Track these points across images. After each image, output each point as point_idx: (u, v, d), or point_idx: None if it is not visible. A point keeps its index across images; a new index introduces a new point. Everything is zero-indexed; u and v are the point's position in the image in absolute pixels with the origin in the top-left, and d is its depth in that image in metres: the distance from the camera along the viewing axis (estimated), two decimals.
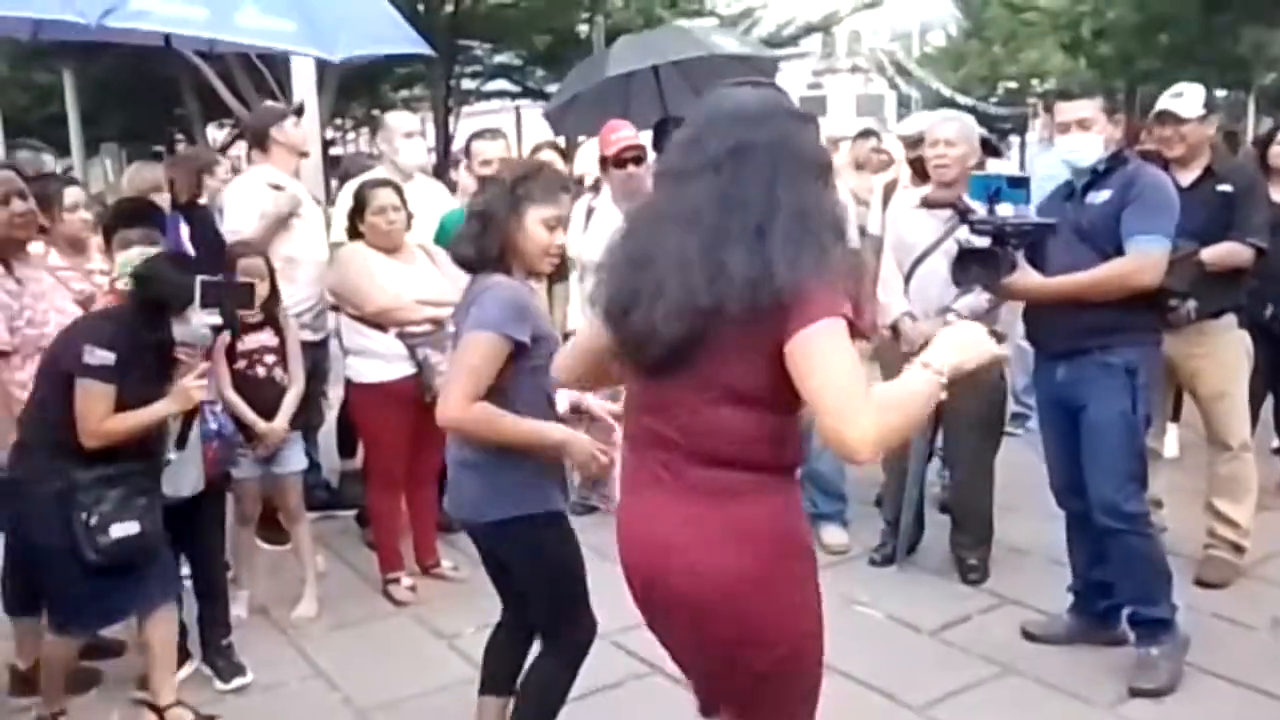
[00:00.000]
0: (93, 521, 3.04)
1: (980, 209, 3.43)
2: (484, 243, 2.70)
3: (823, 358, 1.79)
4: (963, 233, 3.52)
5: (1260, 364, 4.44)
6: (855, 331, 1.85)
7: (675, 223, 1.90)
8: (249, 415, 3.95)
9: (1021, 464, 5.64)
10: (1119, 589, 3.56)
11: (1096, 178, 3.49)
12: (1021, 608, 4.04)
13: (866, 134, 7.42)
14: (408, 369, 4.16)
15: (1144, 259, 3.34)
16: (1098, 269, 3.38)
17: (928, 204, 4.15)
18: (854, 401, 1.76)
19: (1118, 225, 3.38)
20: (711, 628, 1.98)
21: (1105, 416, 3.43)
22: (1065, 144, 3.52)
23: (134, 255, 3.33)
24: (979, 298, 4.13)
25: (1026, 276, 3.44)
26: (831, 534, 4.74)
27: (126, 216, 3.81)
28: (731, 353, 1.88)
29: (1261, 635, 3.67)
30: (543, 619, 2.81)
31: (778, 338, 1.82)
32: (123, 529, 3.09)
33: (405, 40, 5.61)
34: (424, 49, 5.81)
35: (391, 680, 3.65)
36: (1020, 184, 3.46)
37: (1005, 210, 3.38)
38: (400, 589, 4.31)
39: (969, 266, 3.47)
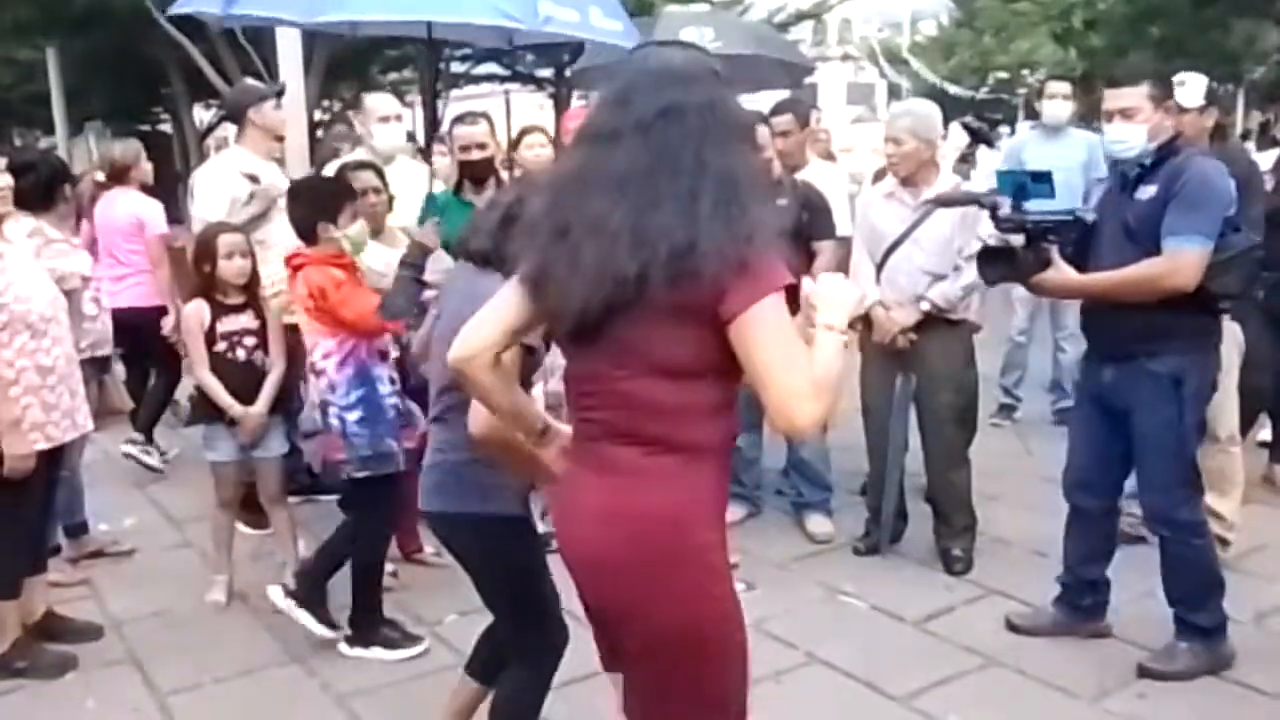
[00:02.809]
0: None
1: (1005, 205, 3.37)
2: (504, 241, 2.41)
3: (769, 337, 1.76)
4: (987, 229, 3.48)
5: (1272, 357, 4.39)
6: (792, 295, 1.81)
7: (598, 187, 1.84)
8: (226, 399, 3.91)
9: (1008, 455, 5.68)
10: (1165, 588, 3.52)
11: (1145, 171, 3.34)
12: (1005, 599, 4.03)
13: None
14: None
15: (1176, 260, 3.20)
16: (1127, 269, 3.28)
17: (943, 202, 4.09)
18: (803, 382, 1.75)
19: (1162, 223, 3.24)
20: (605, 610, 1.97)
21: (1152, 425, 3.38)
22: (1109, 134, 3.37)
23: (360, 227, 3.52)
24: (952, 286, 4.14)
25: (1059, 273, 3.38)
26: (816, 523, 4.72)
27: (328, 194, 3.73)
28: (655, 324, 1.82)
29: (1247, 629, 3.66)
30: (507, 625, 2.69)
31: (712, 310, 1.78)
32: None
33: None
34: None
35: (372, 667, 3.61)
36: (1045, 179, 3.41)
37: (1032, 206, 3.33)
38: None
39: (995, 263, 3.43)
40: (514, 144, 4.96)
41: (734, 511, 4.80)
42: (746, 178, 1.84)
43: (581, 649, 2.46)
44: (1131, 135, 3.31)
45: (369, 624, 3.71)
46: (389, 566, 4.30)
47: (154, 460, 5.63)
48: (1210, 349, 3.42)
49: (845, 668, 3.55)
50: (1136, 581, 3.76)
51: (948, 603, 4.04)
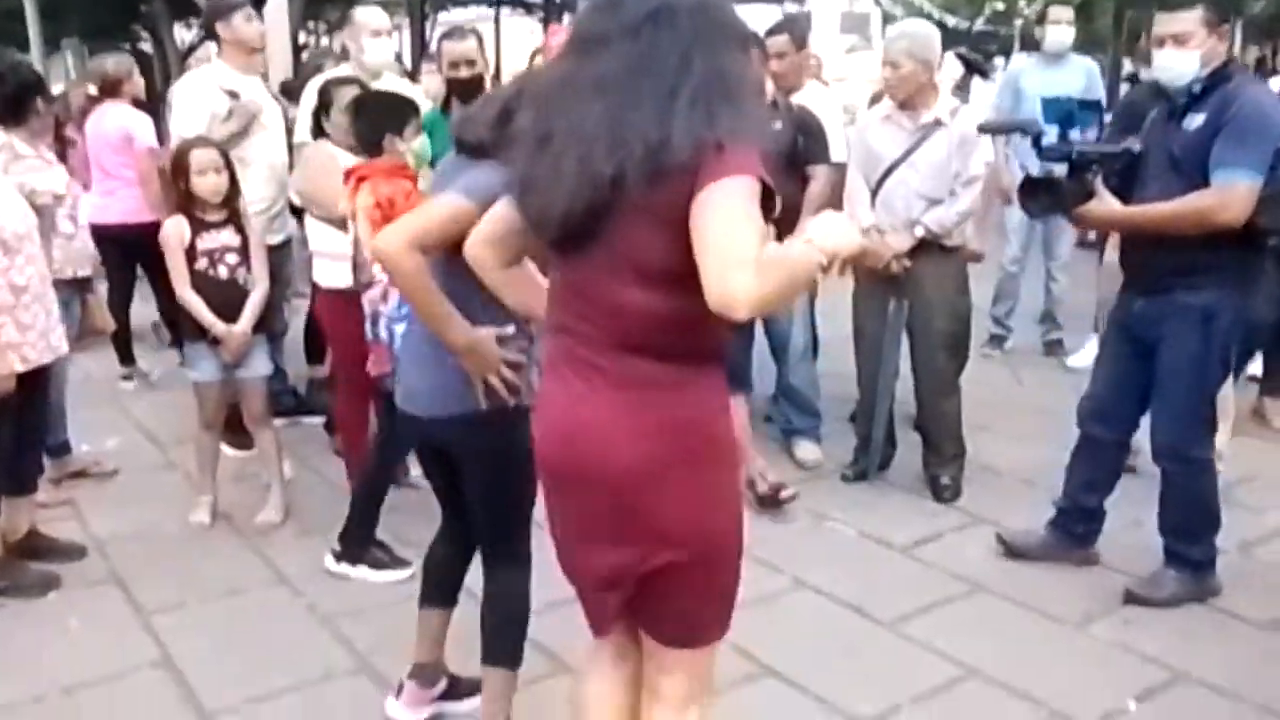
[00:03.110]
0: None
1: (1052, 134, 3.26)
2: (499, 131, 2.29)
3: (721, 211, 1.67)
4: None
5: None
6: (770, 197, 1.73)
7: (581, 92, 1.78)
8: (208, 317, 3.84)
9: (998, 385, 5.67)
10: (1160, 519, 3.52)
11: (1193, 100, 3.20)
12: (993, 526, 4.03)
13: None
14: (376, 274, 4.03)
15: (1226, 194, 3.09)
16: (1175, 202, 3.17)
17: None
18: (744, 255, 1.63)
19: (1210, 154, 3.12)
20: (618, 518, 1.91)
21: (1176, 359, 3.33)
22: (1159, 61, 3.24)
23: (423, 141, 3.47)
24: (948, 211, 4.08)
25: (1103, 205, 3.29)
26: (805, 450, 4.71)
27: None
28: (640, 228, 1.77)
29: (1233, 558, 3.67)
30: (495, 524, 2.64)
31: (687, 207, 1.71)
32: None
33: None
34: None
35: (358, 588, 3.60)
36: (1092, 107, 3.32)
37: (1077, 135, 3.24)
38: None
39: (1038, 194, 3.35)
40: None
41: None
42: (734, 77, 1.77)
43: None
44: (1184, 63, 3.18)
45: (360, 541, 3.69)
46: None
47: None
48: (1248, 286, 3.33)
49: (832, 593, 3.55)
50: (1126, 511, 3.76)
51: (935, 530, 4.04)
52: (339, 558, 3.70)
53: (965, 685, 3.04)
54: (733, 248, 1.64)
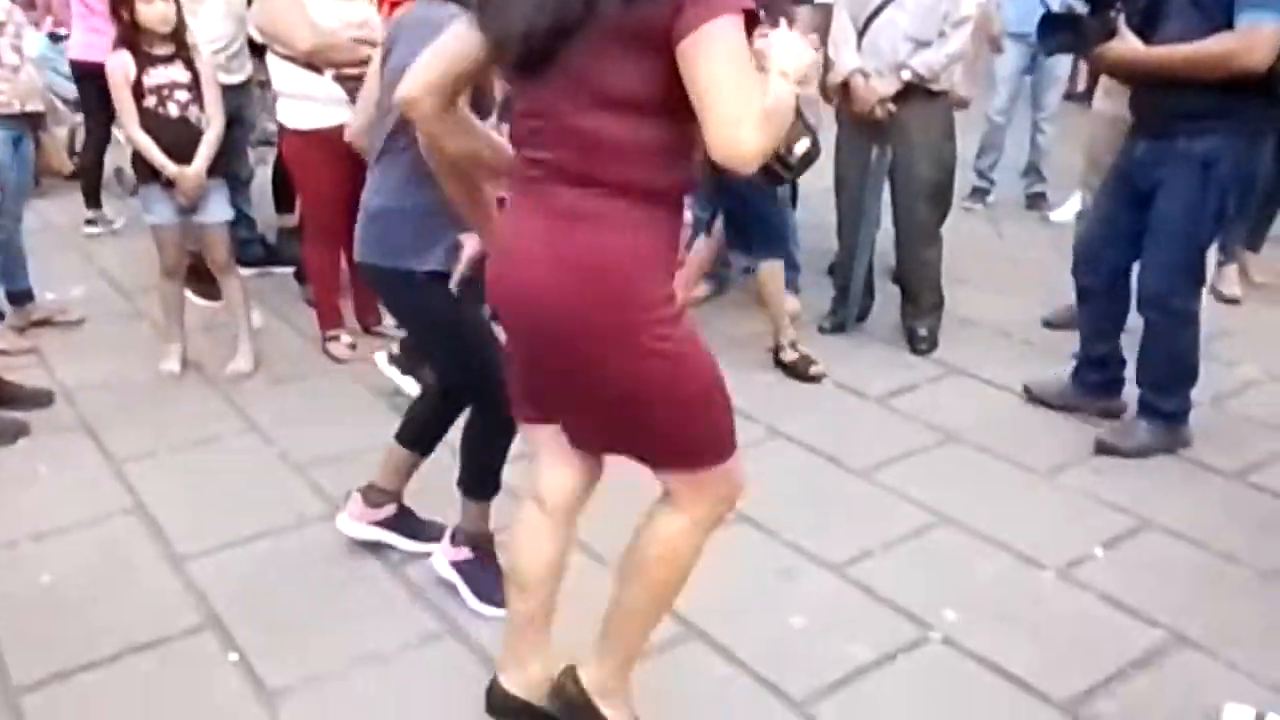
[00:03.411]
0: None
1: None
2: None
3: (718, 57, 1.60)
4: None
5: None
6: (753, 24, 1.65)
7: None
8: (159, 157, 3.69)
9: (977, 237, 5.62)
10: (1138, 370, 3.52)
11: None
12: (969, 378, 4.04)
13: None
14: (344, 114, 3.87)
15: (1250, 37, 2.97)
16: (1197, 44, 3.05)
17: None
18: (752, 111, 1.60)
19: None
20: (556, 357, 1.88)
21: (1171, 205, 3.26)
22: None
23: None
24: (936, 54, 3.94)
25: (1125, 44, 3.17)
26: None
27: None
28: (607, 51, 1.68)
29: (1205, 410, 3.69)
30: (448, 371, 2.69)
31: (664, 31, 1.62)
32: None
33: None
34: None
35: (330, 437, 3.57)
36: None
37: None
38: (339, 346, 4.20)
39: (1058, 32, 3.23)
40: None
41: (700, 288, 4.73)
42: None
43: None
44: None
45: (421, 362, 3.62)
46: (346, 338, 4.23)
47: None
48: (1255, 137, 3.24)
49: (807, 442, 3.56)
50: None
51: (911, 381, 4.04)
52: (394, 361, 3.79)
53: (935, 532, 3.07)
54: (741, 104, 1.60)
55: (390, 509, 2.90)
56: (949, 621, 2.66)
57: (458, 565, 2.73)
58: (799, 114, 1.96)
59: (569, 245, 1.80)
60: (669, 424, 1.90)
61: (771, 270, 4.05)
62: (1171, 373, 3.47)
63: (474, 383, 2.59)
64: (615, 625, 2.10)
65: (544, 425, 2.06)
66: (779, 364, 4.10)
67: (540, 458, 2.12)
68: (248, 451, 3.53)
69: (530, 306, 1.87)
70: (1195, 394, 3.56)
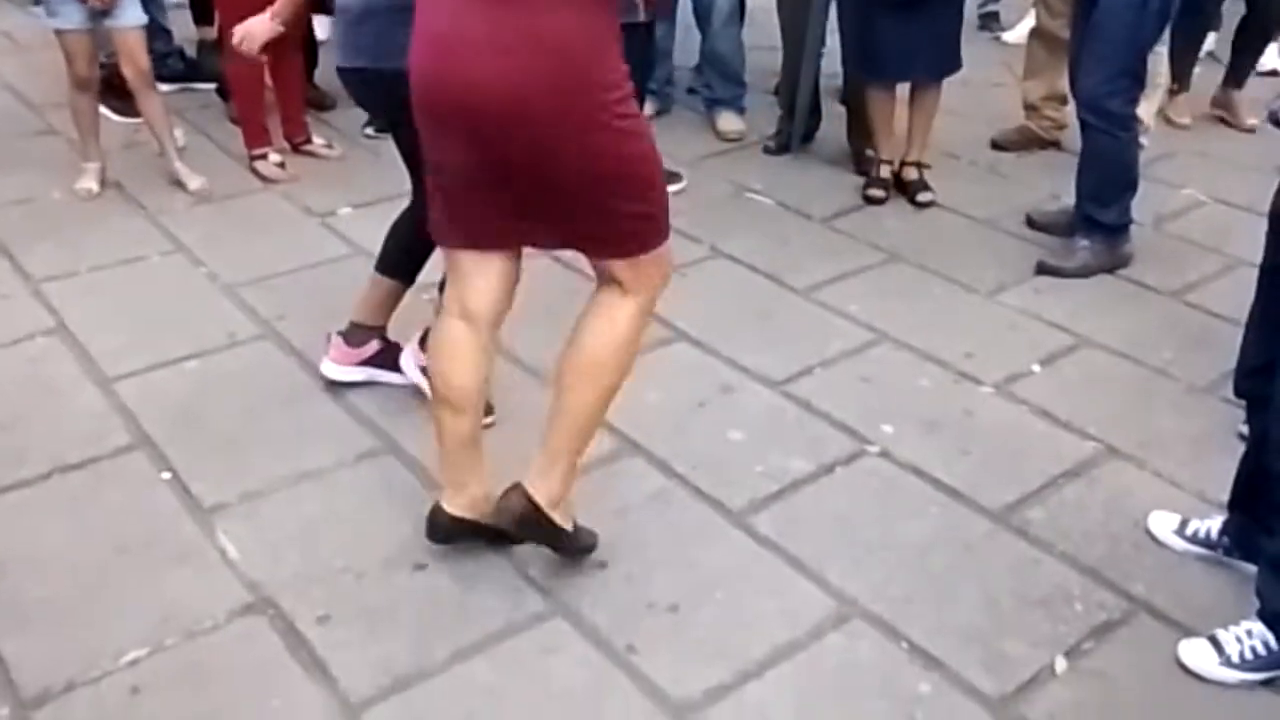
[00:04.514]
0: None
1: None
2: None
3: None
4: None
5: None
6: None
7: None
8: None
9: None
10: (1078, 181, 3.47)
11: None
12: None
13: None
14: None
15: None
16: None
17: None
18: None
19: None
20: (489, 147, 1.83)
21: (1113, 4, 3.16)
22: None
23: None
24: None
25: None
26: (727, 120, 4.54)
27: None
28: None
29: (1146, 231, 3.69)
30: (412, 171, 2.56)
31: None
32: None
33: None
34: None
35: (260, 257, 3.45)
36: None
37: None
38: (267, 165, 4.03)
39: None
40: None
41: (644, 108, 4.58)
42: None
43: None
44: None
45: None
46: (275, 156, 4.06)
47: None
48: None
49: (749, 261, 3.52)
50: (1045, 183, 3.72)
51: (855, 202, 3.98)
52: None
53: (875, 349, 3.07)
54: None
55: (374, 345, 2.78)
56: (886, 435, 2.69)
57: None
58: None
59: (520, 30, 1.72)
60: (630, 202, 1.90)
61: None
62: (1109, 180, 3.43)
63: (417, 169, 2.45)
64: (560, 431, 2.08)
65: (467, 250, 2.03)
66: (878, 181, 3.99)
67: (461, 267, 2.07)
68: (175, 271, 3.41)
69: (480, 99, 1.78)
70: (1137, 215, 3.55)
